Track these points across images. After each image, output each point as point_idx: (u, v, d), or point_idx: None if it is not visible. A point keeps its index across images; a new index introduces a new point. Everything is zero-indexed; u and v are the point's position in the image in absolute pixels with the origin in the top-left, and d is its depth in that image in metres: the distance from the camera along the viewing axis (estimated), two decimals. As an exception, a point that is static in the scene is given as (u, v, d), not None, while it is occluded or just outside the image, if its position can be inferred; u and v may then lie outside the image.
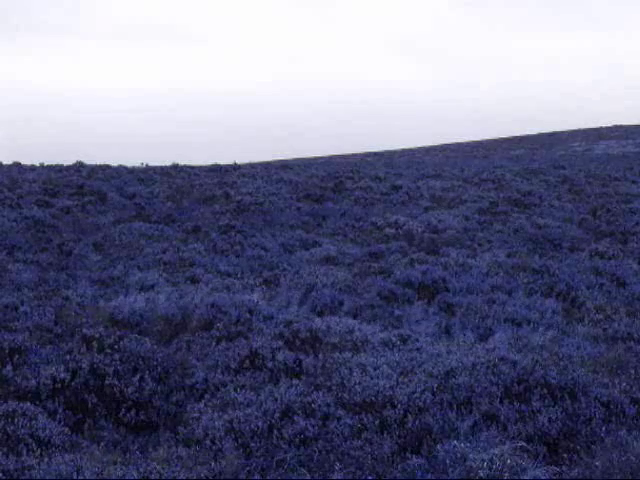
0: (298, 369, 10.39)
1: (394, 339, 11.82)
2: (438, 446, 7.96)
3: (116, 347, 10.51)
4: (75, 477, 7.30)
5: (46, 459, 7.69)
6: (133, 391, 9.59)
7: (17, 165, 45.97)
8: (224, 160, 51.81)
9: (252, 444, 8.25)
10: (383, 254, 19.58)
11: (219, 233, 22.78)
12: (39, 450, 8.07)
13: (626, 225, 24.15)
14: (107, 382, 9.63)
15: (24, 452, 7.99)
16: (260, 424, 8.50)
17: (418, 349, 11.28)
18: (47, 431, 8.43)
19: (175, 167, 43.81)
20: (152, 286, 15.42)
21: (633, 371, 9.97)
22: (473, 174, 39.74)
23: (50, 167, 44.33)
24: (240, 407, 8.99)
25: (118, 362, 9.94)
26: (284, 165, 49.49)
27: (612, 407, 8.81)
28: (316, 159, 65.41)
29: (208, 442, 8.27)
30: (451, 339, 12.15)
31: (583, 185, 35.50)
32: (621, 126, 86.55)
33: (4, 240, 20.79)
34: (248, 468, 7.77)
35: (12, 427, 8.35)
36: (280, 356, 10.60)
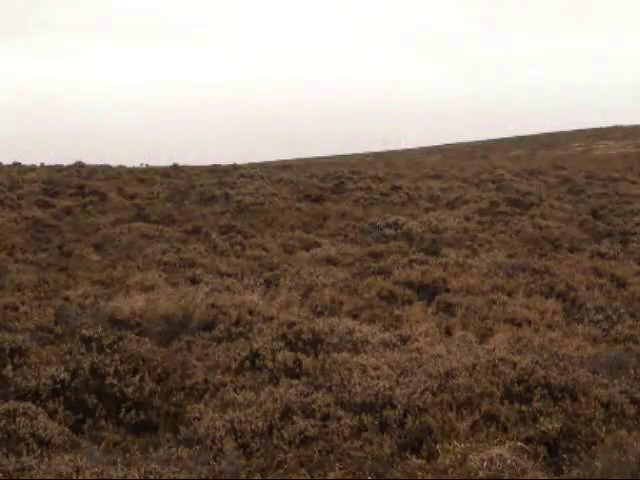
0: (298, 369, 10.39)
1: (394, 339, 11.82)
2: (438, 446, 7.96)
3: (116, 347, 10.50)
4: (75, 477, 7.30)
5: (46, 459, 7.69)
6: (133, 391, 9.58)
7: (17, 165, 45.96)
8: (224, 160, 51.82)
9: (252, 444, 8.25)
10: (383, 254, 19.56)
11: (219, 233, 22.77)
12: (39, 450, 8.07)
13: (626, 226, 24.13)
14: (107, 382, 9.63)
15: (24, 452, 8.00)
16: (260, 424, 8.50)
17: (418, 349, 11.28)
18: (47, 431, 8.43)
19: (175, 167, 43.79)
20: (152, 286, 15.41)
21: (633, 371, 9.97)
22: (473, 174, 39.72)
23: (50, 167, 44.32)
24: (240, 407, 8.99)
25: (118, 362, 9.94)
26: (284, 165, 49.48)
27: (612, 407, 8.81)
28: (316, 159, 65.40)
29: (208, 442, 8.28)
30: (451, 339, 12.15)
31: (583, 185, 35.46)
32: (621, 127, 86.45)
33: (4, 240, 20.77)
34: (248, 468, 7.78)
35: (12, 427, 8.35)
36: (280, 356, 10.60)
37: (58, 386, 9.53)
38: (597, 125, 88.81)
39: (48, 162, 46.90)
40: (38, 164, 46.37)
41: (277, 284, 15.87)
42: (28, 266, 18.08)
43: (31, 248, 20.49)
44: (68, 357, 10.25)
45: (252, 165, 51.34)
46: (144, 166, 46.19)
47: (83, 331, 11.34)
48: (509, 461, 7.39)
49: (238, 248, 20.74)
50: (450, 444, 7.86)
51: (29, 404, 8.82)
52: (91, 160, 47.08)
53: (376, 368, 10.08)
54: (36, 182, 33.31)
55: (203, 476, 7.60)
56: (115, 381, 9.64)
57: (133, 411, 9.37)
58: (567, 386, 9.12)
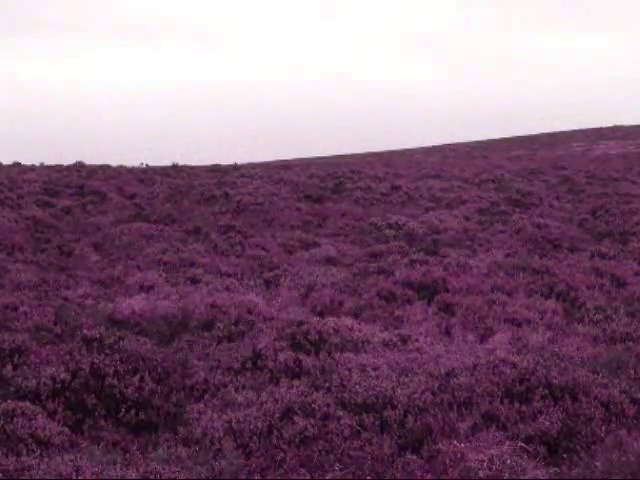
0: (298, 370, 10.39)
1: (394, 339, 11.82)
2: (438, 446, 7.95)
3: (116, 347, 10.50)
4: (75, 477, 7.30)
5: (46, 459, 7.68)
6: (133, 391, 9.58)
7: (17, 165, 45.98)
8: (224, 160, 51.84)
9: (252, 444, 8.24)
10: (383, 254, 19.56)
11: (219, 233, 22.76)
12: (39, 450, 8.07)
13: (626, 225, 24.13)
14: (107, 382, 9.62)
15: (24, 452, 7.99)
16: (260, 424, 8.49)
17: (418, 349, 11.28)
18: (47, 431, 8.43)
19: (175, 167, 43.80)
20: (152, 286, 15.41)
21: (633, 371, 9.97)
22: (473, 174, 39.71)
23: (50, 167, 44.34)
24: (240, 407, 8.99)
25: (118, 362, 9.94)
26: (284, 165, 49.48)
27: (612, 407, 8.81)
28: (316, 159, 65.42)
29: (208, 442, 8.27)
30: (451, 339, 12.14)
31: (583, 185, 35.47)
32: (621, 126, 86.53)
33: (4, 240, 20.77)
34: (248, 468, 7.77)
35: (12, 427, 8.35)
36: (281, 357, 10.59)
37: (58, 386, 9.52)
38: (597, 125, 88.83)
39: (48, 162, 46.92)
40: (38, 164, 46.40)
41: (277, 284, 15.87)
42: (28, 266, 18.07)
43: (31, 248, 20.49)
44: (68, 357, 10.24)
45: (252, 165, 51.35)
46: (144, 166, 46.20)
47: (84, 331, 11.34)
48: (509, 461, 7.39)
49: (238, 248, 20.73)
50: (450, 444, 7.86)
51: (27, 404, 8.82)
52: (91, 160, 47.10)
53: (376, 368, 10.08)
54: (36, 182, 33.31)
55: (202, 476, 7.60)
56: (115, 381, 9.63)
57: (133, 411, 9.36)
58: (567, 386, 9.12)
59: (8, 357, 10.32)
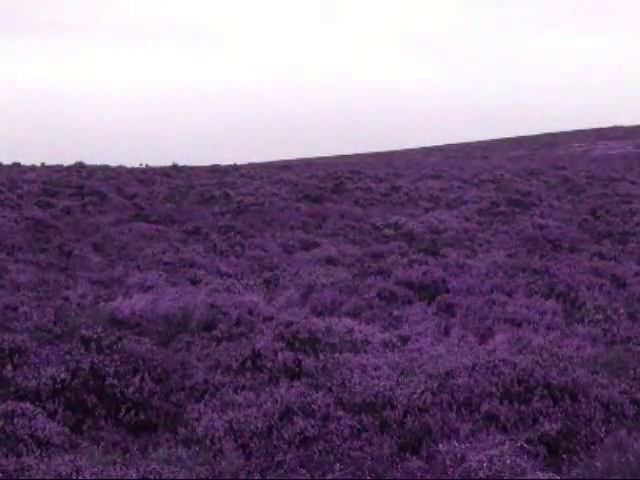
0: (298, 370, 10.39)
1: (394, 340, 11.82)
2: (438, 446, 7.96)
3: (116, 347, 10.50)
4: (74, 477, 7.30)
5: (46, 459, 7.68)
6: (133, 391, 9.58)
7: (17, 165, 46.00)
8: (224, 160, 51.89)
9: (252, 444, 8.24)
10: (383, 254, 19.57)
11: (219, 234, 22.77)
12: (39, 450, 8.07)
13: (626, 226, 24.15)
14: (107, 382, 9.62)
15: (24, 452, 7.99)
16: (260, 424, 8.49)
17: (418, 350, 11.28)
18: (47, 431, 8.42)
19: (175, 167, 43.83)
20: (152, 287, 15.40)
21: (633, 371, 9.97)
22: (473, 175, 39.74)
23: (50, 167, 44.38)
24: (240, 408, 8.99)
25: (118, 362, 9.93)
26: (284, 165, 49.49)
27: (612, 407, 8.81)
28: (316, 159, 65.42)
29: (208, 442, 8.27)
30: (451, 340, 12.14)
31: (583, 186, 35.52)
32: (621, 127, 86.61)
33: (4, 240, 20.77)
34: (248, 468, 7.77)
35: (12, 427, 8.35)
36: (280, 357, 10.60)
37: (58, 386, 9.52)
38: (597, 125, 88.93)
39: (48, 162, 46.97)
40: (38, 164, 46.42)
41: (277, 284, 15.87)
42: (28, 266, 18.07)
43: (31, 248, 20.49)
44: (68, 357, 10.24)
45: (252, 165, 51.38)
46: (144, 166, 46.23)
47: (84, 331, 11.33)
48: (509, 461, 7.39)
49: (238, 248, 20.75)
50: (450, 444, 7.86)
51: (27, 404, 8.81)
52: (91, 160, 47.16)
53: (376, 368, 10.08)
54: (36, 182, 33.32)
55: (203, 476, 7.60)
56: (115, 381, 9.63)
57: (133, 411, 9.36)
58: (567, 386, 9.12)
59: (8, 357, 10.31)
